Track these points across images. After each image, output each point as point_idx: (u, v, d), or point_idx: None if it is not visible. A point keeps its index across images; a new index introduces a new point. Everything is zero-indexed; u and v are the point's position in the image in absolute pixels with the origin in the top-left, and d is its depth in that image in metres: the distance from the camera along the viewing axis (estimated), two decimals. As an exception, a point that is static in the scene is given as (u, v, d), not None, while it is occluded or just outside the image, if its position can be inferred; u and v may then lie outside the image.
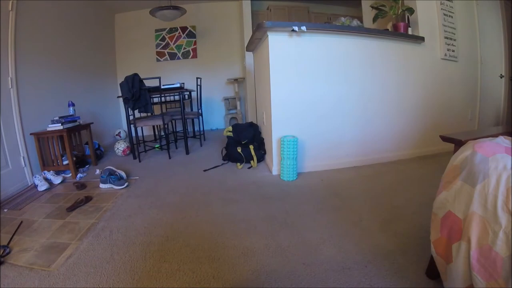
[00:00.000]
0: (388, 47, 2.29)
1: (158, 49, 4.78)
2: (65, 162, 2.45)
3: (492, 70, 3.09)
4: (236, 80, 4.46)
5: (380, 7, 2.48)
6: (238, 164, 2.48)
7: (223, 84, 4.83)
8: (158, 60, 4.80)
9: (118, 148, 3.08)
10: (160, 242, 1.30)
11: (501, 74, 3.19)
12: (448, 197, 0.78)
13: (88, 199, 1.88)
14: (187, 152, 3.07)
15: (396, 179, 1.98)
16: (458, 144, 0.93)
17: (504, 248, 0.61)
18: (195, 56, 4.81)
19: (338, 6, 5.05)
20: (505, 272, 0.61)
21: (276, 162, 2.19)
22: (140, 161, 2.82)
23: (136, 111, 2.83)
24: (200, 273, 1.07)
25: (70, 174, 2.45)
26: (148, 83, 2.83)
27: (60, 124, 2.38)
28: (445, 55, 2.53)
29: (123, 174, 2.26)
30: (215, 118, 4.88)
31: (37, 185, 2.18)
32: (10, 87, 2.25)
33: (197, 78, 3.63)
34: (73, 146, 2.57)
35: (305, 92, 2.13)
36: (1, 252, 1.27)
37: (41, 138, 2.38)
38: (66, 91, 3.04)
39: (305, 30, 1.94)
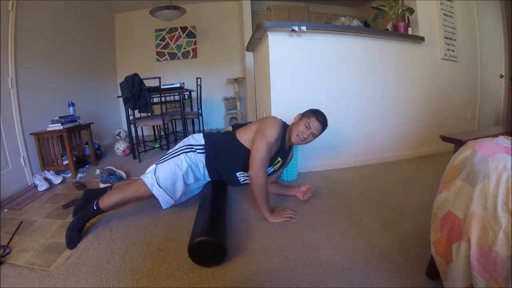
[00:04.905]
0: (388, 47, 2.29)
1: (158, 49, 4.78)
2: (65, 162, 2.45)
3: (492, 70, 3.09)
4: (236, 80, 4.46)
5: (380, 7, 2.48)
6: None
7: (223, 84, 4.83)
8: (158, 60, 4.80)
9: (118, 148, 3.08)
10: (160, 242, 1.30)
11: (501, 74, 3.19)
12: (448, 197, 0.78)
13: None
14: (187, 152, 3.05)
15: (396, 179, 1.98)
16: (458, 144, 0.93)
17: (504, 248, 0.61)
18: (195, 56, 4.81)
19: (338, 6, 5.05)
20: (505, 272, 0.61)
21: (276, 162, 2.18)
22: (140, 161, 2.82)
23: (136, 111, 2.83)
24: (200, 273, 1.07)
25: (70, 174, 2.45)
26: (148, 83, 2.82)
27: (60, 124, 2.38)
28: (445, 55, 2.53)
29: (123, 174, 2.26)
30: (215, 118, 4.88)
31: (37, 185, 2.18)
32: (10, 87, 2.25)
33: (197, 78, 3.62)
34: (73, 146, 2.57)
35: (305, 92, 2.13)
36: (1, 252, 1.27)
37: (41, 138, 2.38)
38: (66, 91, 3.04)
39: (305, 30, 1.94)
